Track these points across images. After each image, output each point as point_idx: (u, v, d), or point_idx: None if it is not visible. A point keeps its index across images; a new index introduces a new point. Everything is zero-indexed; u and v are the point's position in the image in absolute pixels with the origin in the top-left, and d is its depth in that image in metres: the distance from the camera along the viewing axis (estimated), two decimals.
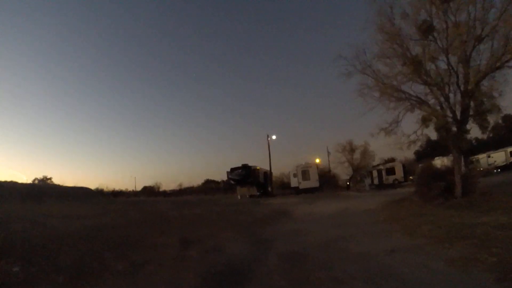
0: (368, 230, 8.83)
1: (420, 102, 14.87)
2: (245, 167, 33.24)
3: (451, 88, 12.88)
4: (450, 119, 13.18)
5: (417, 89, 14.82)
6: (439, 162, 17.81)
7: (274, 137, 39.13)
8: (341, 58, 16.01)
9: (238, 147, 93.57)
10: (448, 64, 12.69)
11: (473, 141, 48.90)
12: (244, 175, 32.75)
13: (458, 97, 12.81)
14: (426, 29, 12.65)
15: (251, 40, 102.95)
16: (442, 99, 13.08)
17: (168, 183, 70.35)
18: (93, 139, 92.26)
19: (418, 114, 15.30)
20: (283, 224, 11.91)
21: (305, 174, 34.62)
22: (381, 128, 15.97)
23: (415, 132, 15.56)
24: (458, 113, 13.01)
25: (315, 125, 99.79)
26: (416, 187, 14.06)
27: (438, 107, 13.51)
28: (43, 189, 21.23)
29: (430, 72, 13.24)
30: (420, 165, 17.57)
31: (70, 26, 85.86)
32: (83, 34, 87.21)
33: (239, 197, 31.79)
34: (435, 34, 12.86)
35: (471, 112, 12.99)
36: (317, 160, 42.20)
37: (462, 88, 12.61)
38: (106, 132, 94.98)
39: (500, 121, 39.59)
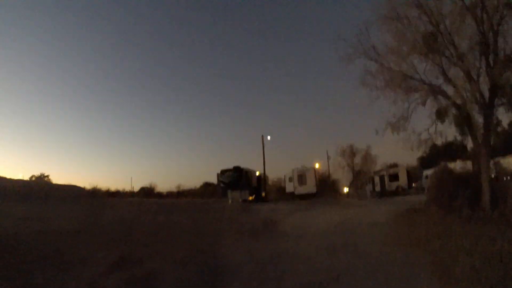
0: (379, 261, 6.11)
1: (435, 92, 12.36)
2: (236, 169, 30.87)
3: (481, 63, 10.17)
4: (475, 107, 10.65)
5: (432, 74, 12.37)
6: (459, 165, 15.10)
7: (269, 137, 36.78)
8: (340, 39, 13.59)
9: (239, 150, 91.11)
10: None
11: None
12: (236, 178, 30.42)
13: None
14: None
15: (248, 42, 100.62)
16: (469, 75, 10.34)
17: (167, 185, 69.23)
18: (94, 139, 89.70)
19: (431, 107, 12.94)
20: (265, 240, 9.24)
21: (301, 178, 31.97)
22: (388, 122, 13.42)
23: (427, 129, 13.13)
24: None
25: (317, 129, 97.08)
26: (432, 196, 11.39)
27: (463, 92, 10.90)
28: (32, 187, 21.36)
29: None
30: (434, 169, 14.82)
31: (69, 26, 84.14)
32: (81, 35, 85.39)
33: (230, 201, 29.54)
34: None
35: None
36: (317, 165, 39.67)
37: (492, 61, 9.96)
38: (107, 132, 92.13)
39: None
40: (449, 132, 12.87)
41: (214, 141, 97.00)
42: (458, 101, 11.50)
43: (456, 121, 11.99)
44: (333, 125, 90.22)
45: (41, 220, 10.45)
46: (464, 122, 11.65)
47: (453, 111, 12.19)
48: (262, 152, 35.16)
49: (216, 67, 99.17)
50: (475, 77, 10.10)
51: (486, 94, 10.54)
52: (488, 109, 10.28)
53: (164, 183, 66.10)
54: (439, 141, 13.55)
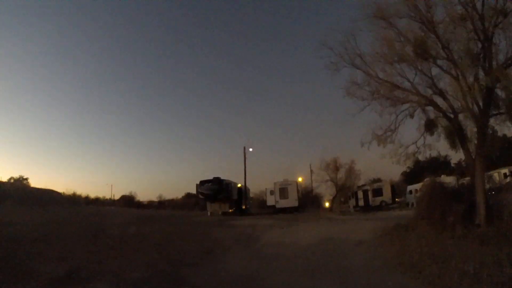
0: None
1: (425, 103, 11.65)
2: (216, 180, 29.36)
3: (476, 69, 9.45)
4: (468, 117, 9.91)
5: (421, 85, 11.65)
6: (449, 179, 14.27)
7: (251, 149, 35.54)
8: (326, 47, 12.75)
9: (223, 162, 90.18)
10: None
11: (463, 163, 46.60)
12: (215, 190, 28.85)
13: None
14: None
15: (233, 53, 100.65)
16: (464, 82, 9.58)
17: (149, 194, 67.71)
18: (77, 144, 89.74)
19: (419, 119, 12.21)
20: (235, 260, 7.95)
21: (283, 192, 30.77)
22: (374, 134, 12.58)
23: (415, 142, 12.35)
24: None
25: (301, 143, 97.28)
26: (421, 211, 10.39)
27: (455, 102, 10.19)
28: (7, 190, 21.18)
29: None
30: (422, 183, 13.95)
31: (63, 29, 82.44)
32: (70, 42, 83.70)
33: (209, 213, 28.15)
34: None
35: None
36: (300, 179, 38.62)
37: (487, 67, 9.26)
38: (90, 138, 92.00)
39: None
40: (437, 145, 12.11)
41: (198, 152, 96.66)
42: (449, 113, 10.78)
43: (446, 133, 11.18)
44: (317, 139, 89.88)
45: (5, 225, 10.50)
46: (455, 134, 10.86)
47: (444, 122, 11.46)
48: (244, 164, 33.94)
49: (199, 78, 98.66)
50: (469, 83, 9.31)
51: (480, 103, 9.77)
52: (482, 118, 9.48)
53: (146, 192, 65.32)
54: (426, 155, 12.83)
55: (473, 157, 9.97)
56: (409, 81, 11.37)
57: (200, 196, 30.41)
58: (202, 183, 29.74)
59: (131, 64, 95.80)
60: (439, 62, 10.85)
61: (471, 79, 9.53)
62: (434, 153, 14.42)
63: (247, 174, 34.36)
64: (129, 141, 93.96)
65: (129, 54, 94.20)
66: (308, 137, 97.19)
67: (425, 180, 13.17)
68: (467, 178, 19.25)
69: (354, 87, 12.68)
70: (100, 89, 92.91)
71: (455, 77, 10.27)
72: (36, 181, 48.83)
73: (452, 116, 10.81)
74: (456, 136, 10.79)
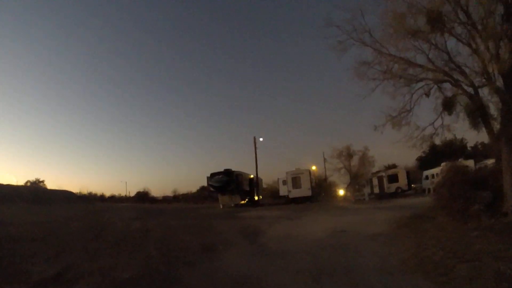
0: None
1: (442, 80, 10.72)
2: (227, 172, 29.10)
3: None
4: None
5: (437, 61, 10.65)
6: (467, 163, 13.22)
7: (261, 139, 34.84)
8: (331, 26, 11.87)
9: (237, 153, 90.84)
10: None
11: (479, 146, 44.55)
12: (226, 182, 28.66)
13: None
14: None
15: (241, 44, 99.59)
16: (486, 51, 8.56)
17: (165, 189, 69.18)
18: (93, 144, 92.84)
19: (435, 99, 11.27)
20: (235, 258, 7.28)
21: (295, 181, 30.01)
22: (389, 115, 11.74)
23: (431, 124, 11.46)
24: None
25: (314, 132, 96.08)
26: (441, 200, 9.47)
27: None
28: (22, 192, 22.01)
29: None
30: (441, 168, 12.98)
31: (65, 29, 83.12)
32: (77, 43, 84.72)
33: (221, 206, 28.17)
34: None
35: None
36: (313, 168, 37.77)
37: None
38: (105, 138, 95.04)
39: None
40: (456, 126, 11.14)
41: (210, 146, 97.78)
42: (469, 86, 9.79)
43: (467, 112, 10.16)
44: (329, 127, 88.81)
45: (6, 224, 10.72)
46: (477, 112, 9.85)
47: (463, 100, 10.47)
48: (255, 154, 33.29)
49: (208, 73, 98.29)
50: (491, 52, 8.26)
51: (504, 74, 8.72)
52: (507, 91, 8.45)
53: (161, 188, 66.19)
54: (444, 137, 11.88)
55: (498, 137, 9.01)
56: (425, 53, 10.34)
57: (211, 189, 30.19)
58: (213, 175, 29.48)
59: (140, 63, 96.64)
60: (456, 32, 9.88)
61: (493, 49, 8.48)
62: (450, 136, 13.48)
63: (259, 165, 33.82)
64: (142, 139, 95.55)
65: (138, 53, 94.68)
66: (320, 126, 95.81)
67: (444, 163, 12.20)
68: (486, 161, 18.17)
69: (364, 67, 11.83)
70: (111, 90, 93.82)
71: (474, 49, 9.29)
72: (53, 183, 50.39)
73: (472, 92, 9.84)
74: (478, 114, 9.81)
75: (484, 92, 9.72)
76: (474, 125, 10.11)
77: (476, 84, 9.69)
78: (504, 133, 8.55)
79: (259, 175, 33.99)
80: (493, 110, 9.45)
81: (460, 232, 7.13)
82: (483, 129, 9.95)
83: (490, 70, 8.81)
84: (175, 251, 8.22)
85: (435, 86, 11.20)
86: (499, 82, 8.68)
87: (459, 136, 31.60)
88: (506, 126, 8.54)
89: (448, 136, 12.30)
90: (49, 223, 12.34)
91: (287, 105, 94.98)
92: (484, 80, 9.22)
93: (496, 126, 9.38)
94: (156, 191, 54.42)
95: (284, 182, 31.29)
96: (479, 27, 8.46)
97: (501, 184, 8.52)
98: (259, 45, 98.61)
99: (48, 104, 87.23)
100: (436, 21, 9.55)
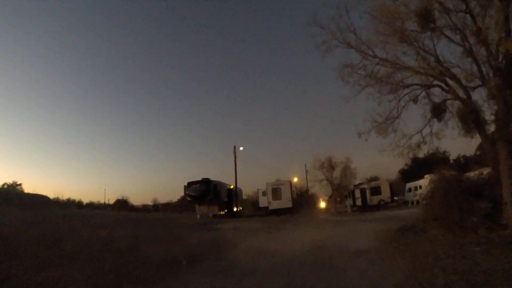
0: None
1: (431, 84, 10.08)
2: (205, 181, 27.75)
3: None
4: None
5: (427, 61, 9.94)
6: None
7: (241, 148, 33.76)
8: (315, 24, 11.09)
9: (220, 163, 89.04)
10: None
11: (461, 159, 44.83)
12: (203, 191, 27.31)
13: None
14: None
15: (225, 53, 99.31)
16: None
17: (145, 198, 67.50)
18: (75, 150, 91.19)
19: (424, 104, 10.61)
20: (196, 276, 6.06)
21: (276, 192, 28.89)
22: (374, 122, 10.93)
23: (419, 131, 10.75)
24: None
25: (300, 141, 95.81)
26: (433, 211, 8.51)
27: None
28: None
29: None
30: (429, 175, 12.22)
31: (58, 31, 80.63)
32: (74, 44, 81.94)
33: (198, 216, 26.52)
34: None
35: None
36: (295, 179, 36.85)
37: None
38: (84, 143, 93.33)
39: None
40: (445, 134, 10.41)
41: (192, 155, 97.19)
42: (461, 87, 9.08)
43: (459, 117, 9.40)
44: (313, 135, 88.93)
45: None
46: (469, 117, 9.08)
47: (455, 104, 9.78)
48: (234, 164, 32.06)
49: (190, 80, 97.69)
50: (492, 50, 7.55)
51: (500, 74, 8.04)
52: (503, 92, 7.71)
53: (142, 196, 64.20)
54: (432, 145, 11.15)
55: (494, 141, 8.22)
56: (413, 56, 9.67)
57: (188, 198, 28.74)
58: (190, 184, 28.07)
59: (122, 68, 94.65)
60: (447, 32, 9.22)
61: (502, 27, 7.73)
62: (438, 144, 12.82)
63: (240, 175, 32.64)
64: (122, 146, 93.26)
65: (120, 58, 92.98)
66: (302, 136, 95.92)
67: (428, 175, 11.44)
68: (471, 173, 17.49)
69: (347, 70, 11.04)
70: (92, 93, 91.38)
71: (468, 49, 8.63)
72: (31, 187, 47.93)
73: (464, 96, 9.12)
74: (472, 119, 9.04)
75: (477, 97, 9.04)
76: (467, 130, 9.33)
77: (470, 86, 8.99)
78: (501, 136, 7.77)
79: (239, 186, 32.77)
80: (488, 115, 8.69)
81: (459, 247, 6.15)
82: (477, 135, 9.20)
83: (485, 69, 8.20)
84: (131, 265, 7.04)
85: (423, 92, 10.54)
86: (496, 81, 7.94)
87: (447, 146, 31.45)
88: (504, 128, 7.76)
89: (437, 143, 11.59)
90: (5, 226, 11.08)
91: (271, 113, 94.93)
92: (477, 79, 8.52)
93: (491, 130, 8.63)
94: (137, 199, 52.84)
95: (264, 193, 30.16)
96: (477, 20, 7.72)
97: (498, 193, 7.70)
98: (243, 53, 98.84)
99: (29, 106, 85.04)
100: (426, 19, 8.92)
